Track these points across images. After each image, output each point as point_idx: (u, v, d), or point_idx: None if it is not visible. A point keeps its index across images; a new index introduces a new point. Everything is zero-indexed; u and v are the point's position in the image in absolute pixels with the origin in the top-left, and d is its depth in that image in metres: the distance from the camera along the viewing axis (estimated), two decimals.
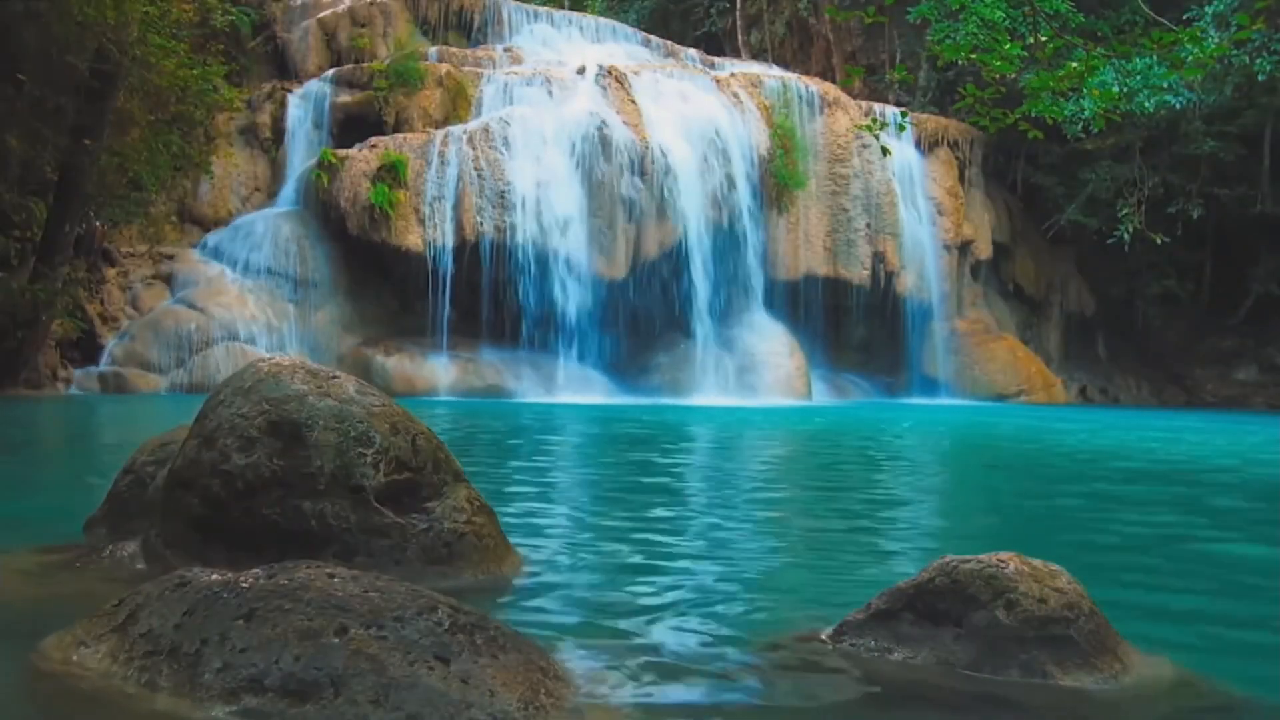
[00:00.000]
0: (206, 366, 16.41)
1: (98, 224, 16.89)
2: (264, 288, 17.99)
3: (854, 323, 22.72)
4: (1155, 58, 12.18)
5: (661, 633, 2.67)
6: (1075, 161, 23.21)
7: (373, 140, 18.85)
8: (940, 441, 11.54)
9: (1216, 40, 13.65)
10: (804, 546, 4.34)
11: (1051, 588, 2.34)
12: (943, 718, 2.17)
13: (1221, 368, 24.92)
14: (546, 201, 18.64)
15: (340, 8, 21.74)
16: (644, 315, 19.80)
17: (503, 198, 18.47)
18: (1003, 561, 2.38)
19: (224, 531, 2.96)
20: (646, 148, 19.39)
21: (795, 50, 29.36)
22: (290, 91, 20.29)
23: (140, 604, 2.14)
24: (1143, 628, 2.68)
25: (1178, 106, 20.68)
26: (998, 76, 8.64)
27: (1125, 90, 15.99)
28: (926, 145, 23.38)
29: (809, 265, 21.73)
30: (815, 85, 22.63)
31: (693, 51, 24.96)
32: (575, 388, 18.32)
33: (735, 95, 21.20)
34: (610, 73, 20.39)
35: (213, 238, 18.73)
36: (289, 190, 19.41)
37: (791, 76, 23.06)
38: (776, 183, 21.15)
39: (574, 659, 2.33)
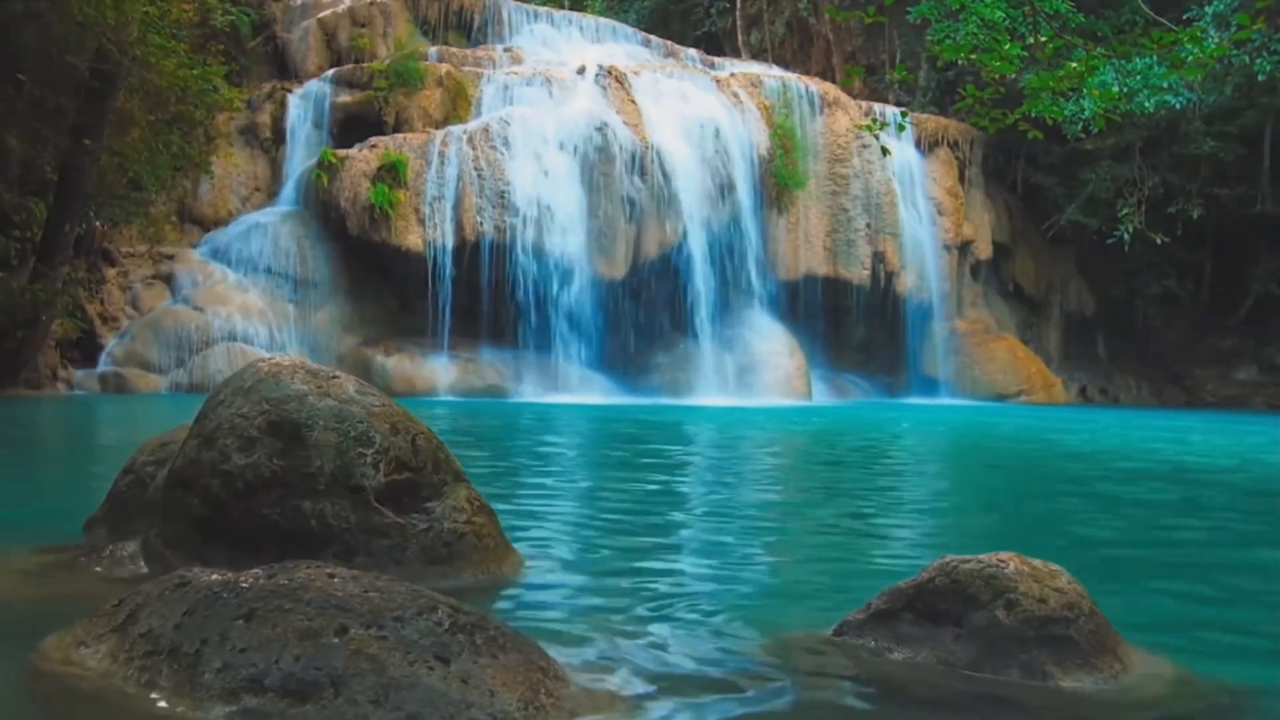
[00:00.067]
0: (206, 366, 16.41)
1: (98, 224, 16.89)
2: (264, 288, 17.99)
3: (854, 323, 22.72)
4: (1155, 58, 12.18)
5: (661, 632, 2.67)
6: (1075, 161, 23.21)
7: (373, 140, 18.86)
8: (940, 441, 11.54)
9: (1216, 40, 13.65)
10: (804, 546, 4.34)
11: (1051, 588, 2.34)
12: (943, 718, 2.17)
13: (1221, 368, 24.92)
14: (546, 202, 18.64)
15: (340, 8, 21.74)
16: (644, 315, 19.80)
17: (503, 198, 18.47)
18: (1003, 561, 2.38)
19: (224, 531, 2.96)
20: (646, 148, 19.39)
21: (795, 50, 29.36)
22: (290, 91, 20.29)
23: (140, 604, 2.14)
24: (1143, 628, 2.68)
25: (1178, 106, 20.68)
26: (998, 76, 8.64)
27: (1125, 90, 15.99)
28: (926, 145, 23.39)
29: (809, 265, 21.73)
30: (815, 85, 22.63)
31: (693, 51, 24.95)
32: (575, 388, 18.32)
33: (735, 95, 21.20)
34: (610, 73, 20.39)
35: (213, 238, 18.73)
36: (289, 190, 19.41)
37: (791, 76, 23.05)
38: (776, 183, 21.15)
39: (574, 659, 2.33)
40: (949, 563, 2.44)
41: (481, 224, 18.35)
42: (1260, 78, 19.64)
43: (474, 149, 18.61)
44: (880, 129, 9.33)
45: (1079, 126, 19.74)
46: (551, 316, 18.70)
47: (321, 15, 21.53)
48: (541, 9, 24.67)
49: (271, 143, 19.93)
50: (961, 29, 19.41)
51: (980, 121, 8.39)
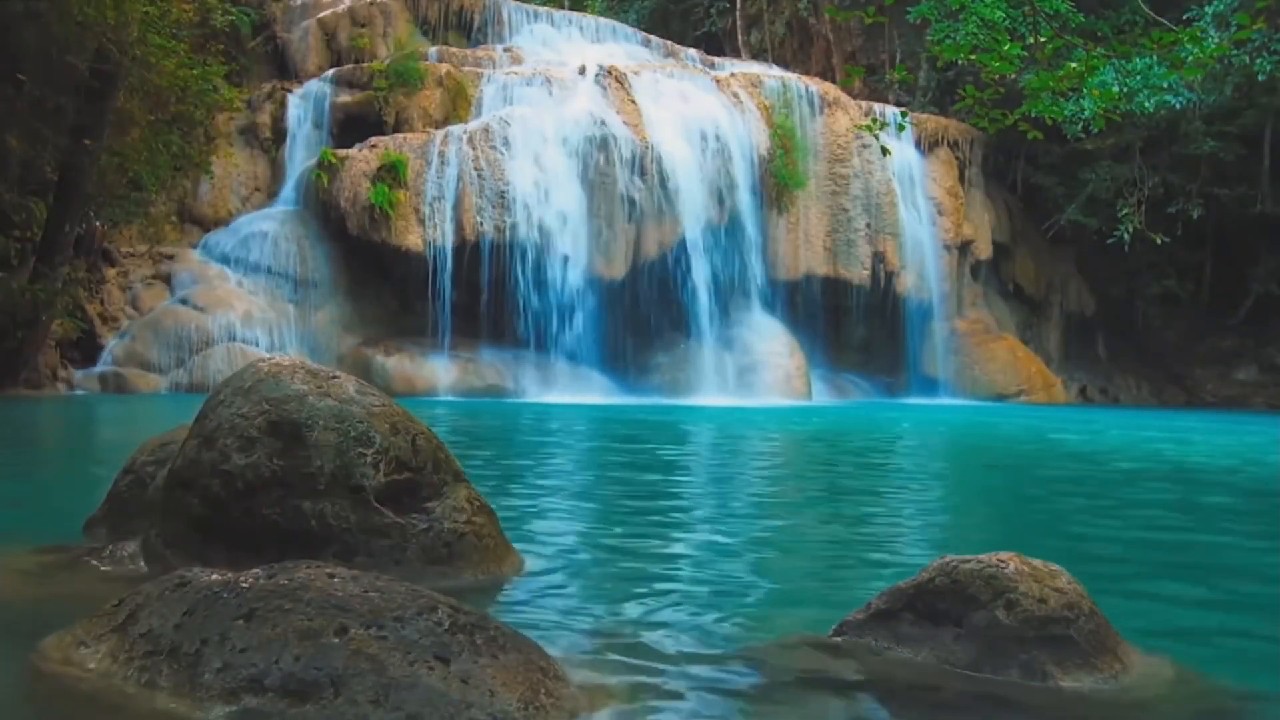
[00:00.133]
0: (206, 366, 16.40)
1: (98, 224, 16.89)
2: (264, 288, 18.00)
3: (854, 323, 22.72)
4: (1155, 58, 12.18)
5: (661, 632, 2.67)
6: (1075, 161, 23.21)
7: (373, 140, 18.86)
8: (940, 442, 11.54)
9: (1216, 40, 13.65)
10: (804, 546, 4.34)
11: (1051, 588, 2.34)
12: (943, 718, 2.17)
13: (1221, 368, 24.92)
14: (546, 201, 18.64)
15: (340, 8, 21.74)
16: (644, 315, 19.80)
17: (503, 198, 18.48)
18: (1003, 561, 2.38)
19: (224, 531, 2.96)
20: (646, 148, 19.39)
21: (795, 50, 29.36)
22: (290, 91, 20.29)
23: (140, 604, 2.14)
24: (1143, 628, 2.68)
25: (1178, 106, 20.68)
26: (997, 77, 8.64)
27: (1125, 90, 15.99)
28: (926, 145, 23.39)
29: (809, 265, 21.73)
30: (815, 85, 22.63)
31: (693, 51, 24.96)
32: (575, 388, 18.33)
33: (735, 95, 21.20)
34: (610, 73, 20.39)
35: (213, 238, 18.73)
36: (289, 190, 19.42)
37: (791, 76, 23.05)
38: (776, 183, 21.15)
39: (574, 659, 2.33)
40: (949, 563, 2.44)
41: (481, 224, 18.36)
42: (1260, 78, 19.63)
43: (474, 149, 18.61)
44: (880, 129, 9.33)
45: (1079, 126, 19.75)
46: (551, 316, 18.71)
47: (321, 15, 21.53)
48: (541, 9, 24.68)
49: (271, 143, 19.94)
50: (961, 29, 19.41)
51: (980, 122, 8.39)
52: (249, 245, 18.33)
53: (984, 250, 24.13)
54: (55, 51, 13.75)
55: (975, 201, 24.11)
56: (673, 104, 20.45)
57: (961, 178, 23.69)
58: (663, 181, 19.40)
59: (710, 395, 18.68)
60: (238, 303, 17.46)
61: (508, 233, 18.40)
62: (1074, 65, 8.36)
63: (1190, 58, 8.56)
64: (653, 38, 25.09)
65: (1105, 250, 23.41)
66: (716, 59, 24.89)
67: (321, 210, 18.61)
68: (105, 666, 2.05)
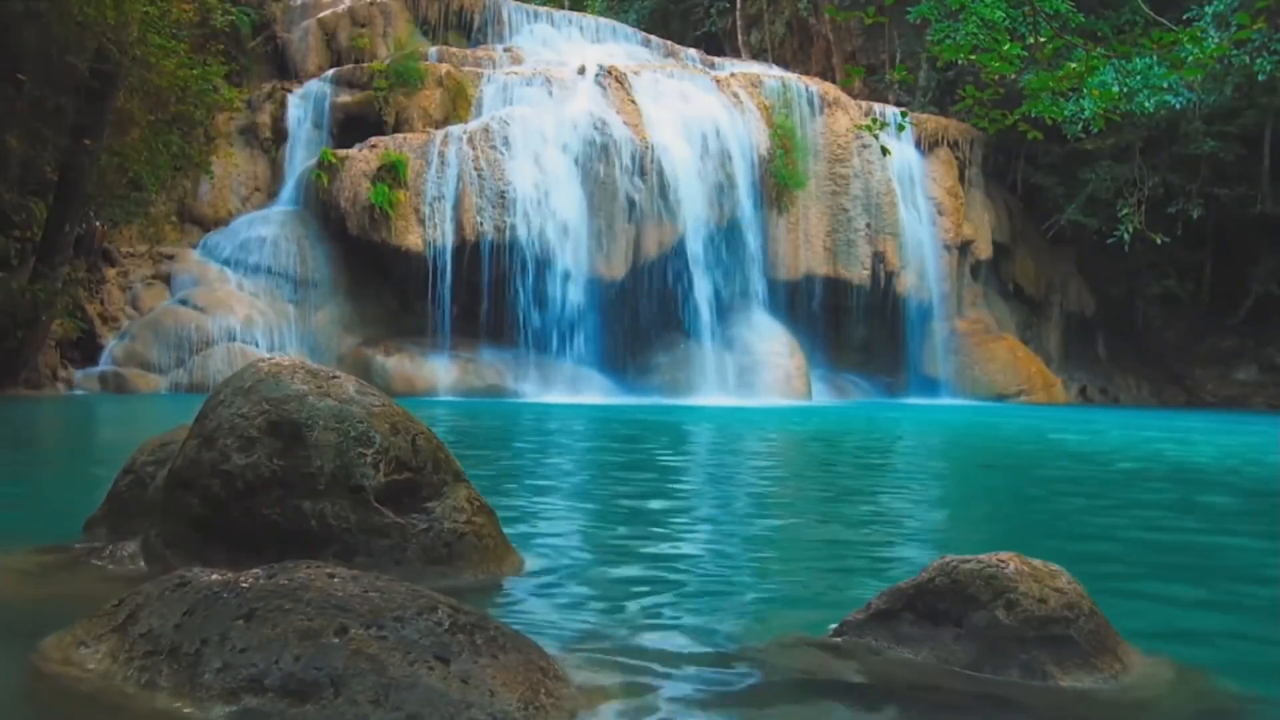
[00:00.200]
0: (206, 366, 16.41)
1: (98, 224, 16.89)
2: (264, 288, 18.00)
3: (854, 323, 22.73)
4: (1155, 58, 12.18)
5: (661, 632, 2.67)
6: (1075, 161, 23.21)
7: (373, 140, 18.86)
8: (940, 442, 11.54)
9: (1216, 40, 13.65)
10: (804, 546, 4.34)
11: (1051, 588, 2.33)
12: (943, 718, 2.17)
13: (1221, 368, 24.93)
14: (546, 202, 18.64)
15: (340, 8, 21.74)
16: (644, 315, 19.80)
17: (503, 198, 18.48)
18: (1003, 561, 2.38)
19: (224, 531, 2.96)
20: (646, 148, 19.39)
21: (795, 50, 29.36)
22: (290, 91, 20.30)
23: (140, 604, 2.14)
24: (1143, 628, 2.68)
25: (1178, 106, 20.68)
26: (997, 77, 8.64)
27: (1125, 90, 15.98)
28: (926, 145, 23.39)
29: (809, 265, 21.74)
30: (815, 85, 22.64)
31: (693, 51, 24.96)
32: (575, 388, 18.33)
33: (735, 95, 21.20)
34: (610, 73, 20.39)
35: (213, 238, 18.74)
36: (289, 190, 19.42)
37: (791, 76, 23.06)
38: (776, 183, 21.15)
39: (574, 659, 2.32)
40: (949, 563, 2.44)
41: (481, 224, 18.36)
42: (1260, 78, 19.64)
43: (474, 149, 18.61)
44: (880, 129, 9.34)
45: (1079, 126, 19.75)
46: (551, 316, 18.71)
47: (321, 15, 21.53)
48: (541, 9, 24.68)
49: (271, 143, 19.94)
50: (961, 29, 19.41)
51: (980, 122, 8.40)
52: (249, 245, 18.34)
53: (984, 250, 24.13)
54: (55, 51, 13.75)
55: (975, 201, 24.11)
56: (673, 104, 20.45)
57: (961, 178, 23.70)
58: (663, 182, 19.41)
59: (710, 395, 18.68)
60: (237, 303, 17.46)
61: (508, 233, 18.40)
62: (1074, 65, 8.37)
63: (1190, 58, 8.56)
64: (653, 38, 25.10)
65: (1105, 250, 23.41)
66: (716, 59, 24.90)
67: (321, 210, 18.62)
68: (105, 666, 2.05)
